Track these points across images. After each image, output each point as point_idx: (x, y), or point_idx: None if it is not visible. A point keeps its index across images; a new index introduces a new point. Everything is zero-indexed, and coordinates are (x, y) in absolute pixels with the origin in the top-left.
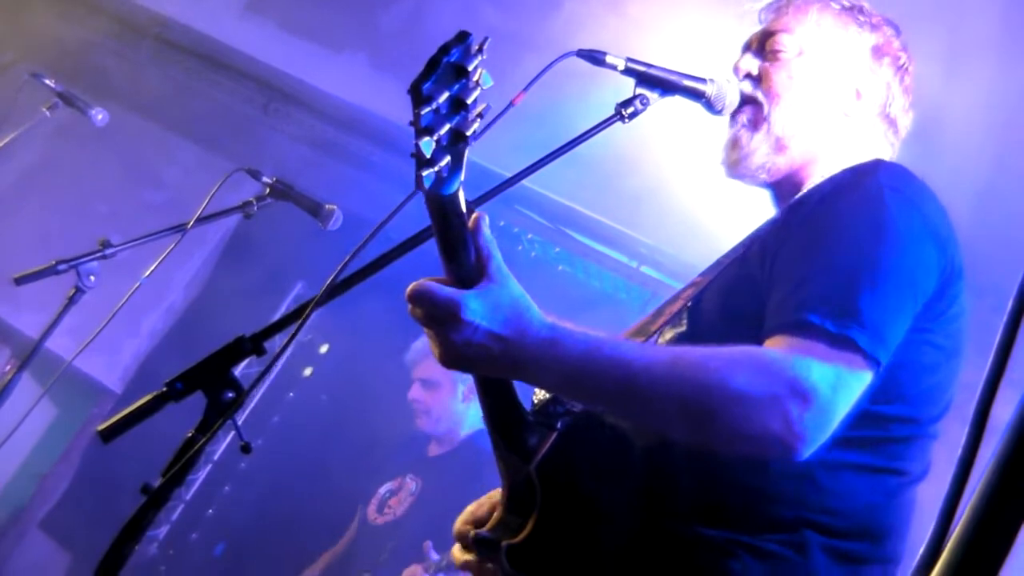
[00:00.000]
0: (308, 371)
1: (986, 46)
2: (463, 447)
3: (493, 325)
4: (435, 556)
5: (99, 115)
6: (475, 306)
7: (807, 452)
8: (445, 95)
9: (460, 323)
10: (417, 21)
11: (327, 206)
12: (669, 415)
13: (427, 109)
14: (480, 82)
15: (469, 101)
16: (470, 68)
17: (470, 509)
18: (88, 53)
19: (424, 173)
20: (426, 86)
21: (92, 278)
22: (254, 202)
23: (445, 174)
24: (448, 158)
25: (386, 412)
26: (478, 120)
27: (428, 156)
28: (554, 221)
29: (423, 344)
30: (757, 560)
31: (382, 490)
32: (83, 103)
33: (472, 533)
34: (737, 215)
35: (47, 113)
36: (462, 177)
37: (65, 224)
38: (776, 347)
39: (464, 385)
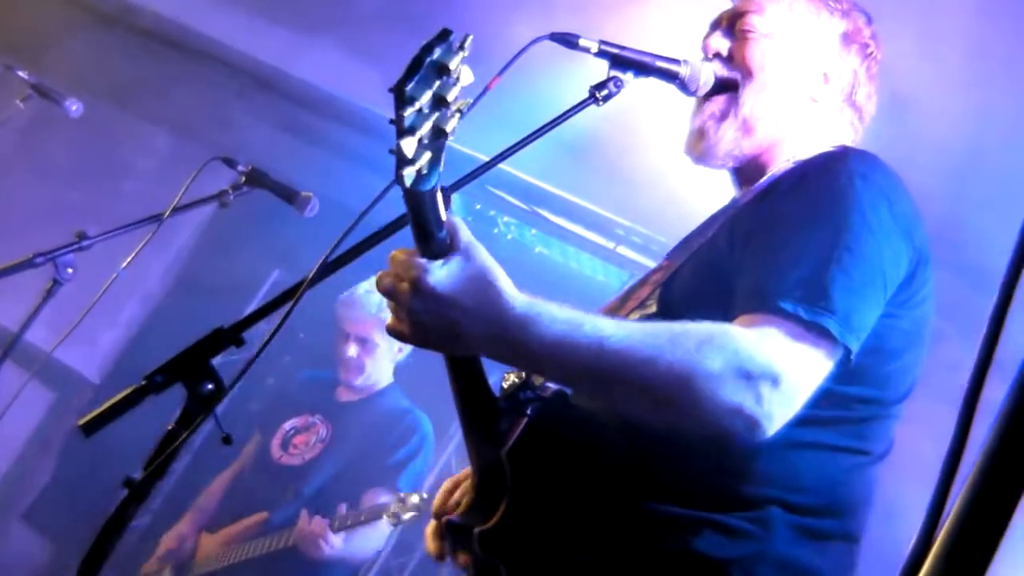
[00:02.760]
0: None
1: (961, 24)
2: (376, 397)
3: (457, 294)
4: (342, 509)
5: (74, 106)
6: (438, 273)
7: (771, 431)
8: (428, 95)
9: (422, 291)
10: (392, 5)
11: (303, 193)
12: (642, 393)
13: (410, 110)
14: (460, 78)
15: (450, 98)
16: (452, 66)
17: (446, 486)
18: (60, 42)
19: (405, 172)
20: (409, 87)
21: (69, 270)
22: (230, 191)
23: (425, 171)
24: (428, 154)
25: (307, 345)
26: (457, 115)
27: (410, 156)
28: (529, 202)
29: (352, 299)
30: (723, 536)
31: (287, 426)
32: (57, 94)
33: (443, 519)
34: (714, 193)
35: (21, 105)
36: (440, 170)
37: (41, 215)
38: (748, 328)
39: (400, 346)
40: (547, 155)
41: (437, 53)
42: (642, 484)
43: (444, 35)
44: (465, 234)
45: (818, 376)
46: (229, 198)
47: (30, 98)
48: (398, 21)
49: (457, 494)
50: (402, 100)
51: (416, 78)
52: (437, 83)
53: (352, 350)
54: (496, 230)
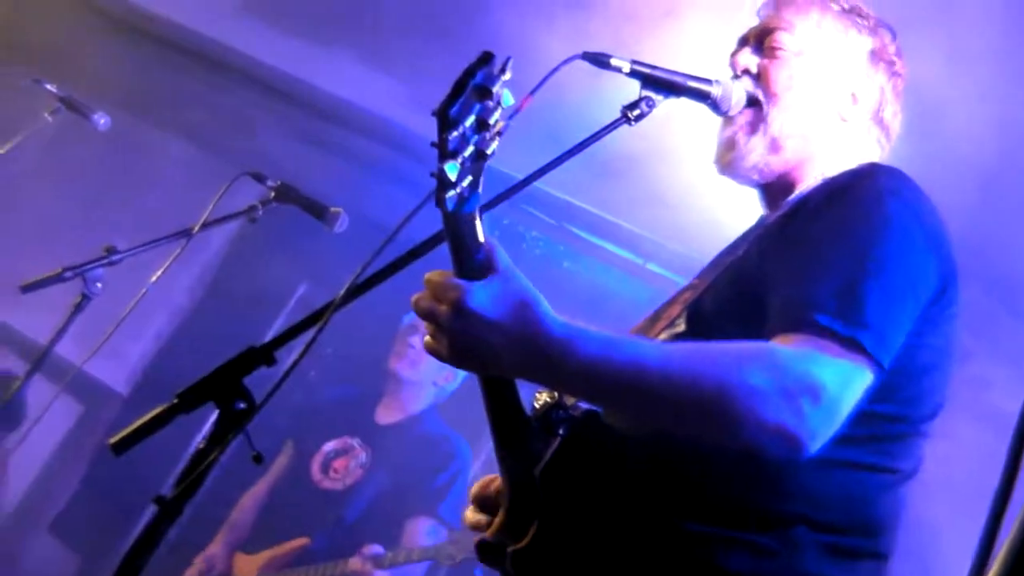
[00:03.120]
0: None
1: (987, 40)
2: (414, 421)
3: (497, 316)
4: (380, 552)
5: (102, 120)
6: (481, 296)
7: (814, 448)
8: (471, 118)
9: (464, 314)
10: (416, 18)
11: (332, 209)
12: (683, 412)
13: (454, 133)
14: (502, 102)
15: (491, 121)
16: (494, 89)
17: (483, 481)
18: (87, 54)
19: (448, 195)
20: (453, 110)
21: (98, 285)
22: (259, 206)
23: (466, 194)
24: (469, 178)
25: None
26: (497, 138)
27: (452, 179)
28: (558, 218)
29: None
30: (750, 554)
31: (327, 448)
32: (86, 108)
33: (475, 539)
34: (744, 211)
35: (49, 118)
36: (479, 192)
37: (69, 228)
38: (787, 344)
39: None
40: (575, 171)
41: (479, 76)
42: (671, 502)
43: (486, 58)
44: (503, 257)
45: (857, 391)
46: (258, 213)
47: (58, 111)
48: (423, 33)
49: (495, 488)
50: (445, 123)
51: (459, 101)
52: (479, 106)
53: (404, 367)
54: (524, 245)
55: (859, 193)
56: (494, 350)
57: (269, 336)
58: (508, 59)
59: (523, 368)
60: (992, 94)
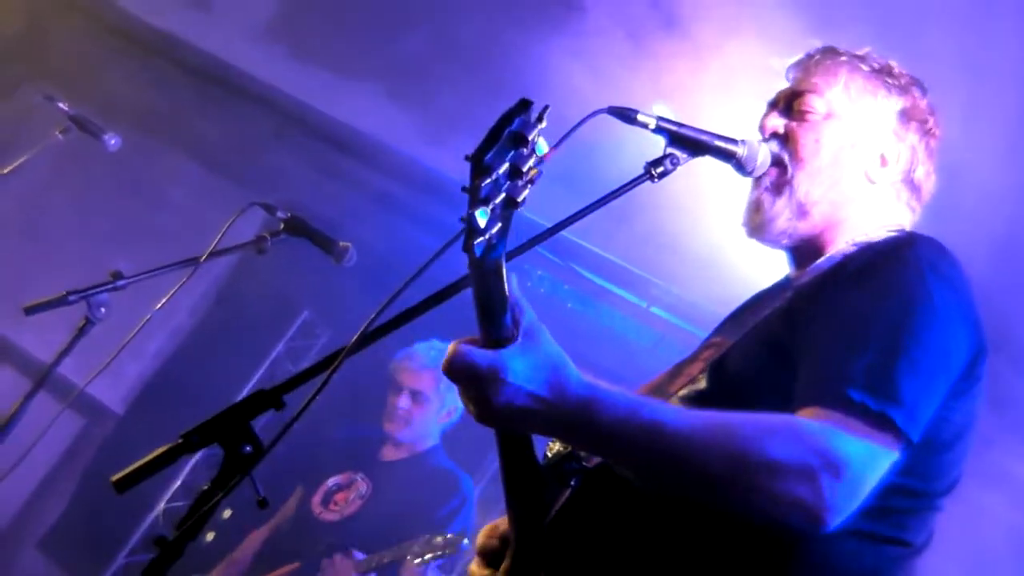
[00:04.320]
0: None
1: (1007, 103)
2: (418, 458)
3: (535, 386)
4: (359, 556)
5: (112, 140)
6: (518, 367)
7: (834, 523)
8: (505, 165)
9: (504, 385)
10: (436, 54)
11: (341, 244)
12: (701, 478)
13: (487, 180)
14: (536, 150)
15: (524, 168)
16: (530, 137)
17: (488, 528)
18: (101, 72)
19: (476, 241)
20: (487, 157)
21: (102, 310)
22: (267, 237)
23: (495, 241)
24: (499, 225)
25: (352, 408)
26: (529, 186)
27: (482, 226)
28: (564, 258)
29: (411, 354)
30: None
31: (330, 483)
32: (96, 127)
33: None
34: (749, 261)
35: (60, 137)
36: (507, 240)
37: (76, 247)
38: (812, 418)
39: (448, 407)
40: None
41: (516, 124)
42: (682, 566)
43: (524, 105)
44: (530, 316)
45: (883, 468)
46: (267, 244)
47: (69, 130)
48: (446, 74)
49: (500, 534)
50: (479, 169)
51: (495, 148)
52: (513, 153)
53: (404, 402)
54: (529, 283)
55: (897, 265)
56: (526, 415)
57: (268, 361)
58: (545, 107)
59: (550, 429)
60: (1009, 158)
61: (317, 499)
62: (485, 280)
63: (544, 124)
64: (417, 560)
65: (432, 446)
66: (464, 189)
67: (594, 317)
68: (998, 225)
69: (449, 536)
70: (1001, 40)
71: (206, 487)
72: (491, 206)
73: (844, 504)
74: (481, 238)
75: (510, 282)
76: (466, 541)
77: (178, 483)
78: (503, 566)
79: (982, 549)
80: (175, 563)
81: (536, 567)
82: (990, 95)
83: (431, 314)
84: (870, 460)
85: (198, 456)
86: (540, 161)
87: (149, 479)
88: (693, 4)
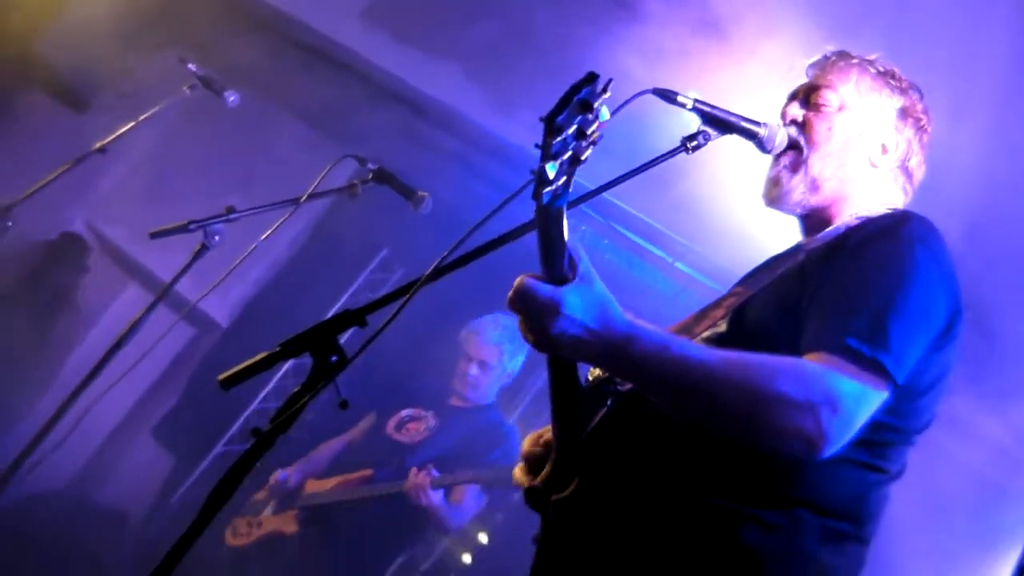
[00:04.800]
0: None
1: (987, 107)
2: (478, 410)
3: (587, 319)
4: (436, 473)
5: (231, 98)
6: (573, 301)
7: (829, 452)
8: (573, 127)
9: (560, 316)
10: (506, 39)
11: (419, 193)
12: (718, 408)
13: (558, 139)
14: (599, 116)
15: (588, 132)
16: (595, 104)
17: (532, 437)
18: (226, 42)
19: (545, 191)
20: (560, 119)
21: (216, 238)
22: (358, 184)
23: (560, 192)
24: (564, 178)
25: (427, 359)
26: (592, 147)
27: (551, 178)
28: (605, 217)
29: (480, 327)
30: (762, 530)
31: (403, 413)
32: (219, 86)
33: (525, 486)
34: (762, 229)
35: (188, 92)
36: (570, 192)
37: (196, 185)
38: (816, 361)
39: (507, 371)
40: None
41: (584, 92)
42: (699, 478)
43: (591, 78)
44: (585, 261)
45: (873, 406)
46: (357, 191)
47: (196, 87)
48: (512, 53)
49: (543, 443)
50: (551, 129)
51: (565, 112)
52: (580, 118)
53: (473, 369)
54: (574, 235)
55: (893, 238)
56: (580, 344)
57: (351, 289)
58: (610, 80)
59: (595, 358)
60: (985, 155)
61: (392, 424)
62: (549, 225)
63: (608, 95)
64: (486, 486)
65: (490, 403)
66: (537, 146)
67: (627, 268)
68: (971, 208)
69: (500, 470)
70: (983, 52)
71: (297, 389)
72: (559, 161)
73: (839, 435)
74: (549, 188)
75: (570, 231)
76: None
77: (270, 387)
78: (544, 471)
79: (941, 489)
80: (266, 452)
81: (573, 473)
82: (970, 102)
83: (496, 288)
84: (863, 398)
85: (289, 364)
86: (602, 126)
87: (248, 380)
88: (731, 8)
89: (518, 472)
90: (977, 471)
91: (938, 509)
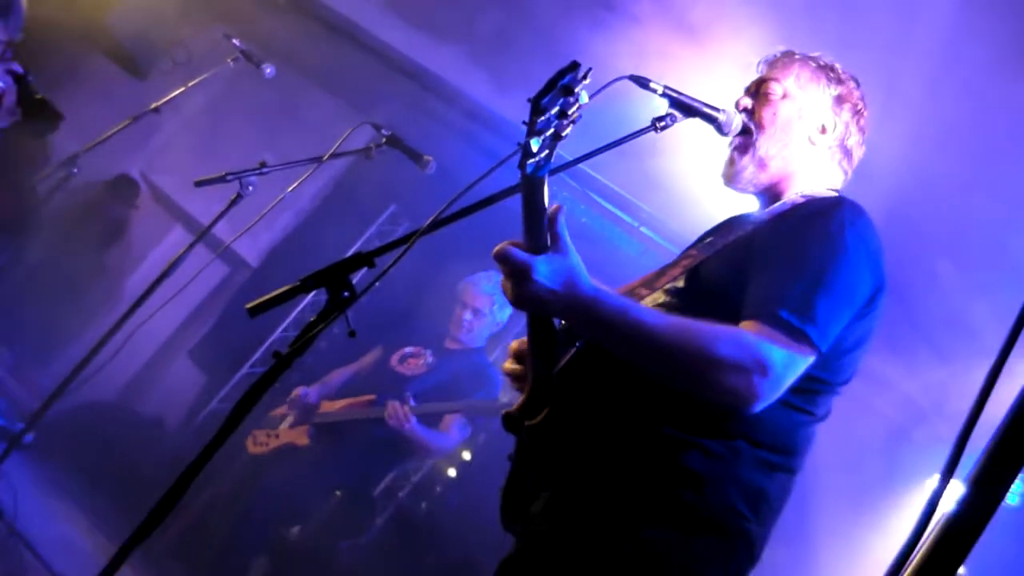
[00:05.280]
0: None
1: (914, 100)
2: (469, 353)
3: (554, 284)
4: (413, 403)
5: (268, 69)
6: (542, 268)
7: (757, 409)
8: (556, 108)
9: (530, 280)
10: (508, 32)
11: (425, 156)
12: (666, 367)
13: (542, 118)
14: (579, 100)
15: (569, 112)
16: (576, 89)
17: (517, 342)
18: (265, 22)
19: (529, 162)
20: (544, 101)
21: (250, 188)
22: (373, 148)
23: (542, 163)
24: (546, 152)
25: (432, 304)
26: (572, 125)
27: (535, 151)
28: (583, 187)
29: (476, 279)
30: (704, 456)
31: (406, 349)
32: (258, 59)
33: (502, 413)
34: (714, 200)
35: (231, 64)
36: (551, 164)
37: (235, 143)
38: (751, 329)
39: (497, 321)
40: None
41: (567, 79)
42: (651, 411)
43: (574, 66)
44: (565, 237)
45: (799, 369)
46: (372, 153)
47: (238, 59)
48: (510, 40)
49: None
50: (536, 109)
51: (550, 95)
52: (563, 100)
53: (467, 315)
54: (554, 202)
55: (826, 220)
56: (546, 304)
57: (363, 239)
58: (589, 69)
59: (563, 315)
60: (911, 144)
61: (395, 358)
62: (532, 191)
63: (588, 81)
64: (455, 414)
65: (480, 347)
66: (524, 123)
67: (599, 230)
68: (894, 194)
69: (485, 402)
70: (910, 55)
71: (312, 319)
72: (542, 137)
73: (768, 395)
74: (532, 160)
75: (558, 215)
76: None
77: (290, 319)
78: (520, 399)
79: (857, 433)
80: (284, 372)
81: (544, 403)
82: (898, 102)
83: (487, 242)
84: (791, 364)
85: (307, 300)
86: (581, 107)
87: (272, 310)
88: (704, 12)
89: (508, 365)
90: (888, 418)
91: (854, 450)
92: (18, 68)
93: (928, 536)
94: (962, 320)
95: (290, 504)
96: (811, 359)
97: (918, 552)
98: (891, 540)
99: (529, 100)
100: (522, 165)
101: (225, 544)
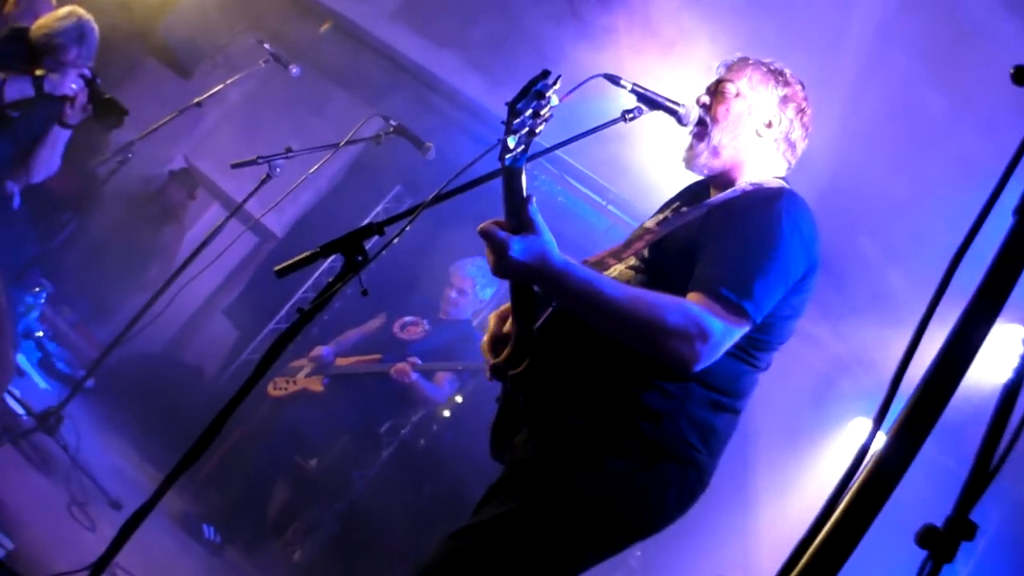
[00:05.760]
0: None
1: (840, 96)
2: (457, 323)
3: (527, 259)
4: (419, 361)
5: (294, 70)
6: (516, 247)
7: (696, 370)
8: (530, 110)
9: (506, 255)
10: (497, 36)
11: (426, 143)
12: (622, 331)
13: (518, 119)
14: (551, 102)
15: (542, 113)
16: (548, 94)
17: (498, 313)
18: (292, 28)
19: (507, 156)
20: (519, 105)
21: (278, 170)
22: (382, 135)
23: (518, 156)
24: (522, 147)
25: (427, 280)
26: (544, 124)
27: (512, 147)
28: (560, 170)
29: (462, 265)
30: (661, 396)
31: (406, 318)
32: (285, 61)
33: (491, 362)
34: (671, 184)
35: (262, 65)
36: (527, 156)
37: (265, 132)
38: (695, 301)
39: (479, 300)
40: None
41: (540, 85)
42: (616, 359)
43: (545, 74)
44: (537, 217)
45: (735, 337)
46: (381, 140)
47: (268, 61)
48: (500, 46)
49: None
50: (512, 112)
51: (524, 99)
52: (536, 103)
53: (454, 294)
54: (535, 183)
55: (767, 211)
56: (520, 275)
57: (371, 215)
58: (559, 76)
59: (536, 283)
60: (839, 136)
61: (397, 325)
62: (510, 181)
63: (558, 86)
64: (458, 372)
65: (466, 319)
66: (503, 123)
67: (572, 207)
68: (823, 177)
69: (473, 364)
70: (839, 59)
71: (330, 280)
72: (518, 135)
73: (708, 359)
74: (510, 154)
75: (531, 201)
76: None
77: (310, 282)
78: (505, 352)
79: (791, 382)
80: (305, 327)
81: (526, 354)
82: (826, 97)
83: (474, 223)
84: (728, 333)
85: (325, 263)
86: (552, 108)
87: (296, 272)
88: (673, 21)
89: (485, 341)
90: (817, 371)
91: (788, 397)
92: (88, 72)
93: (858, 476)
94: (881, 287)
95: (306, 440)
96: (746, 328)
97: (850, 489)
98: (818, 474)
99: (506, 104)
100: (501, 158)
101: (252, 473)
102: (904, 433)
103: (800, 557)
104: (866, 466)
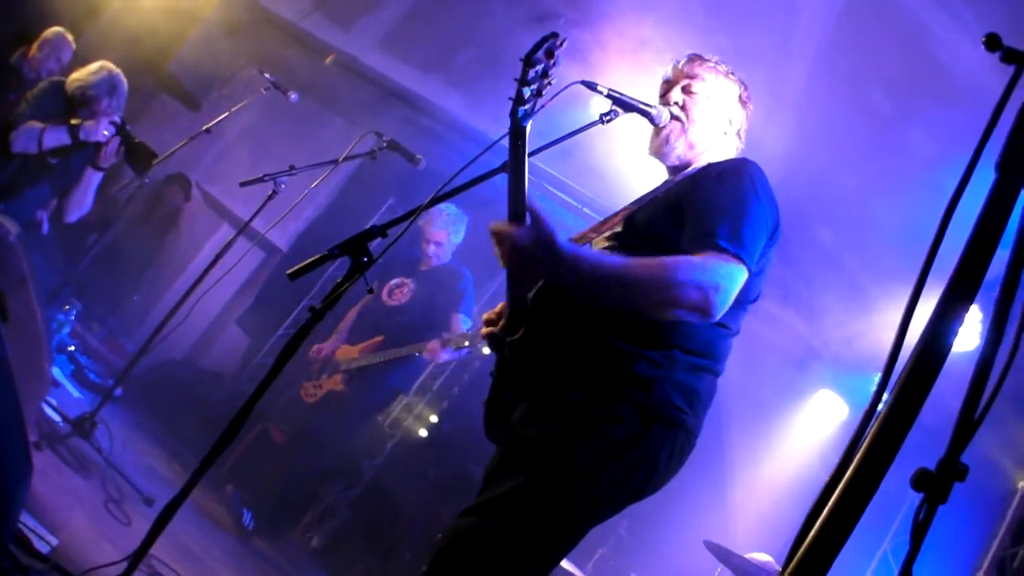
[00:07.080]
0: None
1: (794, 99)
2: (439, 270)
3: (536, 250)
4: (445, 336)
5: (293, 96)
6: (524, 238)
7: (716, 318)
8: (541, 66)
9: (515, 249)
10: (478, 60)
11: (417, 156)
12: (642, 296)
13: (533, 71)
14: (558, 63)
15: (550, 72)
16: (556, 52)
17: (494, 311)
18: (289, 59)
19: (520, 108)
20: (535, 56)
21: (283, 186)
22: (376, 151)
23: (528, 111)
24: (532, 102)
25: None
26: (548, 85)
27: (525, 99)
28: (538, 178)
29: (431, 216)
30: (648, 363)
31: (391, 283)
32: (284, 88)
33: (488, 331)
34: (640, 182)
35: (264, 92)
36: (534, 112)
37: (270, 152)
38: (698, 256)
39: (454, 244)
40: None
41: (549, 43)
42: (605, 329)
43: (554, 35)
44: (538, 209)
45: (739, 284)
46: (376, 155)
47: (269, 89)
48: (487, 71)
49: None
50: (528, 63)
51: (538, 53)
52: (544, 61)
53: (431, 249)
54: None
55: (739, 175)
56: (530, 267)
57: (369, 224)
58: (564, 39)
59: (546, 275)
60: (793, 134)
61: (385, 292)
62: (517, 136)
63: (564, 46)
64: (471, 345)
65: (447, 260)
66: (515, 80)
67: (550, 210)
68: (779, 171)
69: (466, 333)
70: (790, 65)
71: (339, 280)
72: (531, 89)
73: (723, 306)
74: (523, 107)
75: (535, 201)
76: (467, 344)
77: (315, 291)
78: (502, 322)
79: (760, 361)
80: (317, 323)
81: (522, 324)
82: (780, 100)
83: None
84: (733, 278)
85: (328, 271)
86: (555, 67)
87: (304, 280)
88: (638, 28)
89: (484, 328)
90: (783, 350)
91: (759, 375)
92: (119, 119)
93: (865, 437)
94: (837, 272)
95: (336, 439)
96: (746, 274)
97: (860, 448)
98: (789, 443)
99: (521, 59)
100: (514, 111)
101: (297, 474)
102: (907, 392)
103: (820, 510)
104: (870, 429)
